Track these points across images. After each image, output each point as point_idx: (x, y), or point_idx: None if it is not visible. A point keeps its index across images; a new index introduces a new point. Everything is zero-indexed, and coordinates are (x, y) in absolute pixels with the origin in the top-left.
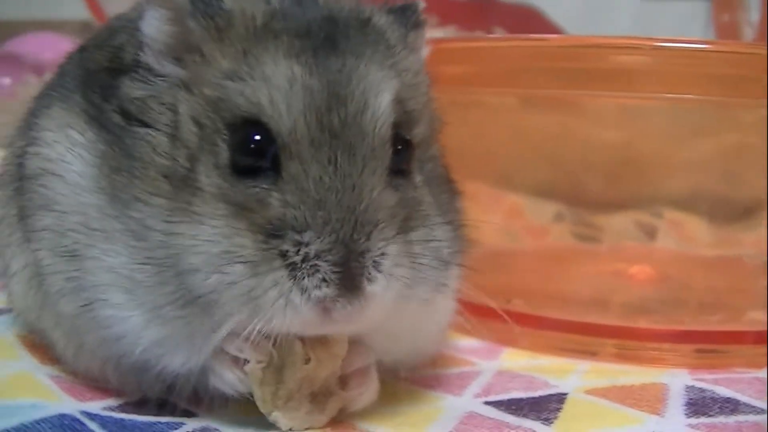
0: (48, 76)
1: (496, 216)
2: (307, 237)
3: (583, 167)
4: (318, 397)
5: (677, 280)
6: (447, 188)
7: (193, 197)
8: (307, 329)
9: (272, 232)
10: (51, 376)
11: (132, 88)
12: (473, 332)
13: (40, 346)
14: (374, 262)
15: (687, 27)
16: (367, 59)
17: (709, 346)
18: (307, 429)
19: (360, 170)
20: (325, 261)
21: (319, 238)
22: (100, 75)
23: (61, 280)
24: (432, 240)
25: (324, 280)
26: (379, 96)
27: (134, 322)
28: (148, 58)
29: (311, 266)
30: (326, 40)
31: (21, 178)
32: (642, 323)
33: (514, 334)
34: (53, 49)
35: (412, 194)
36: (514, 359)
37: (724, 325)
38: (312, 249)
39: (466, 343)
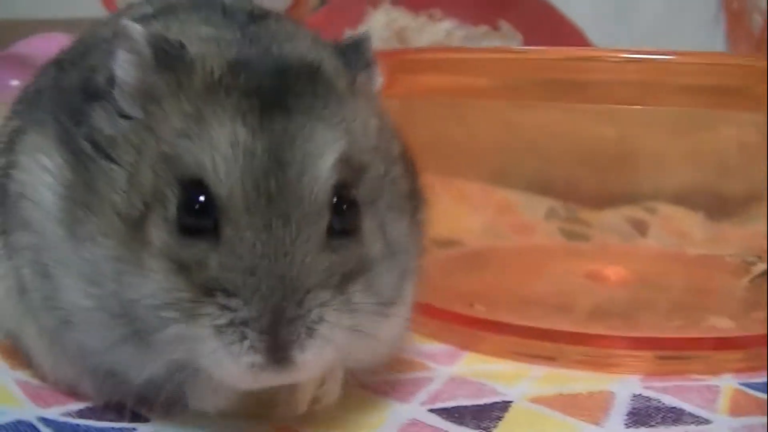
0: None
1: (485, 213)
2: (233, 303)
3: (576, 162)
4: None
5: (651, 282)
6: (408, 206)
7: (142, 249)
8: (243, 386)
9: (207, 293)
10: (18, 381)
11: (104, 122)
12: (436, 336)
13: (12, 350)
14: (307, 328)
15: (701, 17)
16: (315, 117)
17: (667, 352)
18: None
19: (294, 237)
20: (252, 329)
21: (246, 305)
22: (72, 97)
23: (40, 296)
24: (372, 286)
25: (252, 347)
26: (322, 159)
27: (97, 345)
28: (118, 95)
29: (239, 332)
30: (275, 96)
31: (3, 195)
32: (602, 329)
33: (476, 338)
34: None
35: (355, 252)
36: (471, 365)
37: (683, 331)
38: (238, 315)
39: (428, 347)
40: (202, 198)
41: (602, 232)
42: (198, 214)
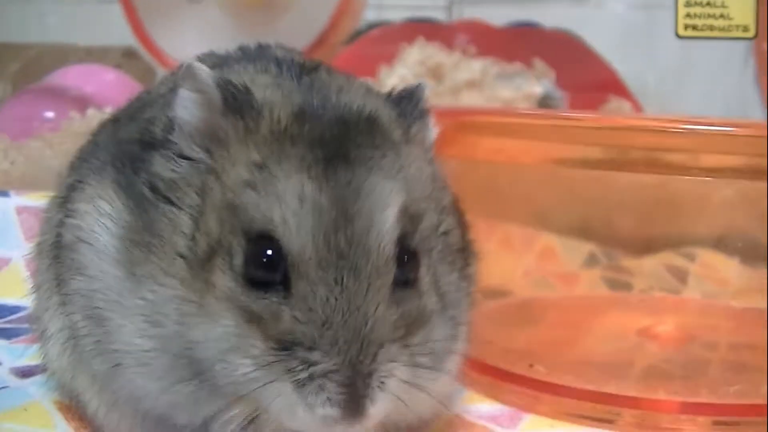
0: (91, 112)
1: (528, 258)
2: (315, 356)
3: (617, 206)
4: None
5: (700, 339)
6: (460, 258)
7: (206, 293)
8: None
9: (282, 344)
10: None
11: (163, 167)
12: (494, 395)
13: (74, 411)
14: (380, 383)
15: (726, 58)
16: (376, 168)
17: (725, 417)
18: None
19: (365, 290)
20: (332, 381)
21: (326, 357)
22: (131, 147)
23: (91, 341)
24: (430, 340)
25: (329, 399)
26: (386, 212)
27: (149, 390)
28: (178, 139)
29: (318, 385)
30: (337, 147)
31: (58, 248)
32: (660, 393)
33: (535, 399)
34: (96, 81)
35: (416, 303)
36: (535, 428)
37: (741, 398)
38: (319, 368)
39: (489, 407)
40: (270, 251)
41: (643, 281)
42: (267, 267)
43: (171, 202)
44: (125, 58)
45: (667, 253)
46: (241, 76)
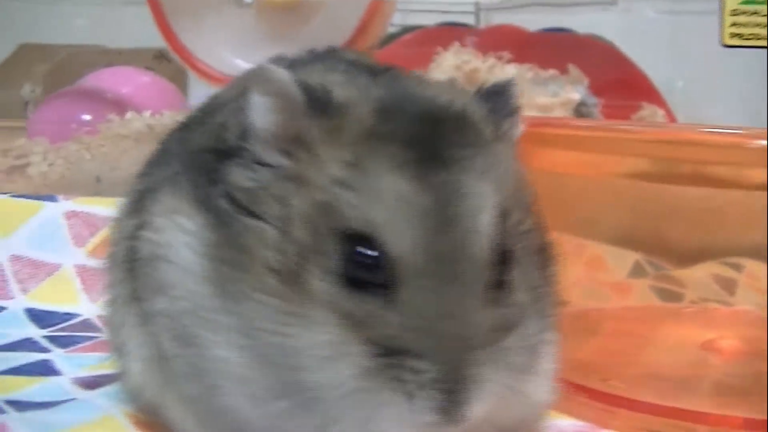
0: (130, 114)
1: (577, 268)
2: (424, 365)
3: (664, 215)
4: None
5: (763, 353)
6: (541, 259)
7: (303, 301)
8: None
9: (386, 349)
10: None
11: (240, 178)
12: (567, 410)
13: (148, 424)
14: (479, 388)
15: (754, 65)
16: (469, 168)
17: None
18: None
19: (464, 295)
20: (439, 390)
21: (434, 367)
22: (204, 156)
23: (182, 363)
24: (525, 340)
25: (435, 407)
26: (484, 215)
27: (245, 409)
28: (254, 146)
29: (427, 394)
30: (429, 147)
31: (132, 260)
32: (734, 410)
33: (609, 414)
34: (131, 83)
35: (510, 302)
36: None
37: None
38: (428, 377)
39: (566, 423)
40: (370, 251)
41: (694, 291)
42: (367, 267)
43: (253, 214)
44: (156, 60)
45: (714, 263)
46: (313, 76)
